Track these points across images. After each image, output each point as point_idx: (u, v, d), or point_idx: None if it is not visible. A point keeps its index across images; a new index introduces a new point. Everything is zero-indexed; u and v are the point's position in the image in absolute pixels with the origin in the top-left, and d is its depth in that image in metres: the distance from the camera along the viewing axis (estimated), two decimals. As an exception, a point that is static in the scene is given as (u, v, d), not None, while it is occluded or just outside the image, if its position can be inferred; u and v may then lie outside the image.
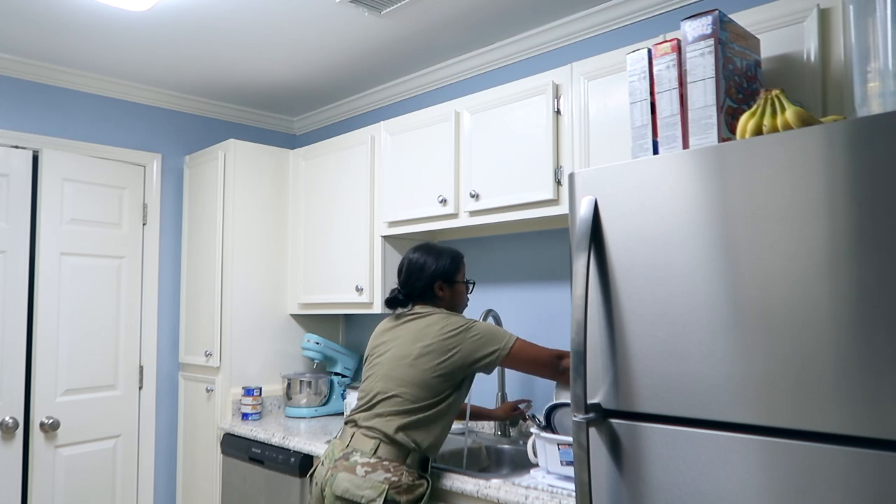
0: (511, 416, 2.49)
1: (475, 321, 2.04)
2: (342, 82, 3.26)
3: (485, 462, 2.47)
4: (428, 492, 1.95)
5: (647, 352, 1.40)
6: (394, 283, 2.92)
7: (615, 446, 1.45)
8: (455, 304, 2.17)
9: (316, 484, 2.01)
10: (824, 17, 1.64)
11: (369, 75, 3.16)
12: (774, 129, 1.37)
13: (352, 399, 2.86)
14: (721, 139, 1.48)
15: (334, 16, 2.53)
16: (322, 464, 2.03)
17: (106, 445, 3.11)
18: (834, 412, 1.16)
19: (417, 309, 2.12)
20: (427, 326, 2.03)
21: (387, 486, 1.87)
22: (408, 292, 2.15)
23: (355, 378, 3.34)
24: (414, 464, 1.94)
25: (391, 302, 2.17)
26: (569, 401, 1.58)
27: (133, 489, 3.20)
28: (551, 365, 2.04)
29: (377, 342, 2.14)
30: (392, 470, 1.90)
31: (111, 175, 3.19)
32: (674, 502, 1.35)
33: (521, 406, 2.48)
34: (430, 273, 2.14)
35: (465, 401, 2.14)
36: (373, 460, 1.91)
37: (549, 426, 1.99)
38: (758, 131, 1.39)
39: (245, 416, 3.02)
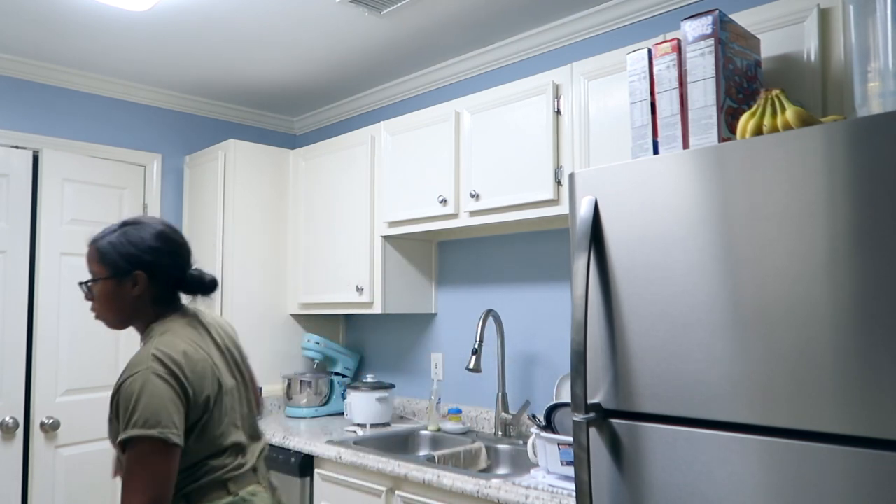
0: None
1: None
2: (342, 82, 3.26)
3: (485, 462, 2.47)
4: None
5: (647, 352, 1.40)
6: (395, 283, 2.92)
7: (615, 446, 1.45)
8: None
9: None
10: (824, 17, 1.64)
11: (369, 75, 3.16)
12: (774, 129, 1.37)
13: (352, 399, 2.84)
14: (721, 139, 1.48)
15: (334, 16, 2.53)
16: None
17: (106, 445, 3.09)
18: (834, 412, 1.16)
19: (198, 307, 1.71)
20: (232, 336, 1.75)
21: None
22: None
23: (356, 378, 3.34)
24: None
25: (210, 287, 1.66)
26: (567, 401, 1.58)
27: (133, 489, 3.19)
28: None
29: (216, 365, 1.60)
30: None
31: (111, 175, 3.19)
32: (674, 502, 1.35)
33: None
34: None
35: None
36: None
37: (549, 426, 1.99)
38: (758, 131, 1.39)
39: (245, 416, 3.02)
